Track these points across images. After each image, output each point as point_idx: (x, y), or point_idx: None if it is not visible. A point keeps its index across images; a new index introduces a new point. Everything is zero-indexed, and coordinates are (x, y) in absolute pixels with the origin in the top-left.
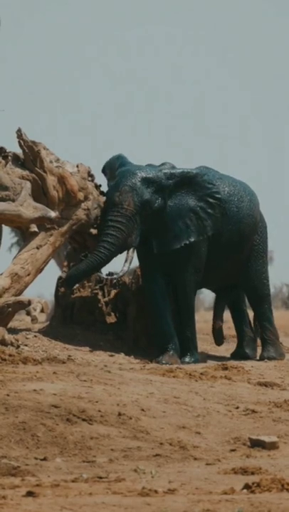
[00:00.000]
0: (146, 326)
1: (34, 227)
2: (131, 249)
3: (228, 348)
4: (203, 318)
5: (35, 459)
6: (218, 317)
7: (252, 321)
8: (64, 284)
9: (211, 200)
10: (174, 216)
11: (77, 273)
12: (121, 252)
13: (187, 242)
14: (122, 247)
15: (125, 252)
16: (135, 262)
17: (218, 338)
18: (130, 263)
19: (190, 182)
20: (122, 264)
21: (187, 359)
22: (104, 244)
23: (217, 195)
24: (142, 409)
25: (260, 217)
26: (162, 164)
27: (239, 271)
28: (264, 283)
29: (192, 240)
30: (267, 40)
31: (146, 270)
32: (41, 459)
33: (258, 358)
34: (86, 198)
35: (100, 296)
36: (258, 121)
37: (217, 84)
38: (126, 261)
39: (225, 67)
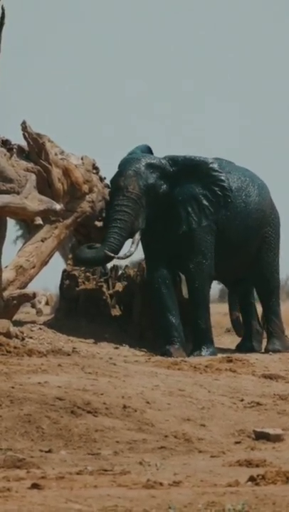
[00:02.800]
0: (152, 318)
1: (39, 220)
2: (138, 232)
3: (232, 341)
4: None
5: (40, 451)
6: (234, 309)
7: (259, 315)
8: (78, 262)
9: (215, 188)
10: (177, 203)
11: (93, 262)
12: (131, 236)
13: (188, 230)
14: (130, 231)
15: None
16: (139, 255)
17: (238, 328)
18: (137, 245)
19: (194, 169)
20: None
21: (203, 352)
22: (115, 230)
23: (221, 183)
24: (147, 402)
25: (272, 209)
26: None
27: (250, 264)
28: (274, 276)
29: (193, 227)
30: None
31: (151, 261)
32: (46, 452)
33: (263, 350)
34: (91, 191)
35: (104, 289)
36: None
37: None
38: (133, 243)
39: None
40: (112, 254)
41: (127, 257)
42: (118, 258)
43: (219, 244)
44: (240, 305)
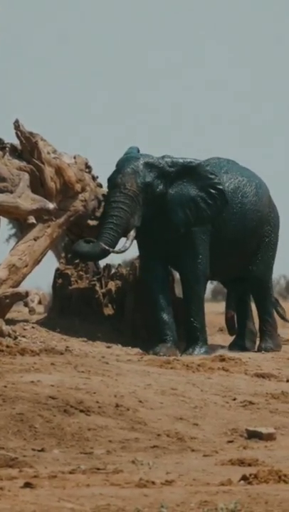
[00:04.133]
0: (144, 317)
1: (32, 219)
2: (133, 229)
3: (225, 340)
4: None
5: (33, 450)
6: (229, 307)
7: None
8: (73, 255)
9: (212, 190)
10: (175, 205)
11: (88, 256)
12: (126, 232)
13: (185, 231)
14: (126, 227)
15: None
16: (132, 254)
17: (231, 327)
18: (132, 241)
19: (191, 172)
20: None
21: (196, 351)
22: (111, 225)
23: (218, 186)
24: (140, 401)
25: (271, 209)
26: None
27: (248, 263)
28: (270, 275)
29: (190, 229)
30: None
31: (145, 259)
32: (39, 451)
33: (256, 349)
34: (83, 190)
35: (97, 288)
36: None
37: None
38: (128, 239)
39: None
40: (108, 248)
41: (122, 251)
42: (113, 252)
43: (216, 244)
44: (236, 304)
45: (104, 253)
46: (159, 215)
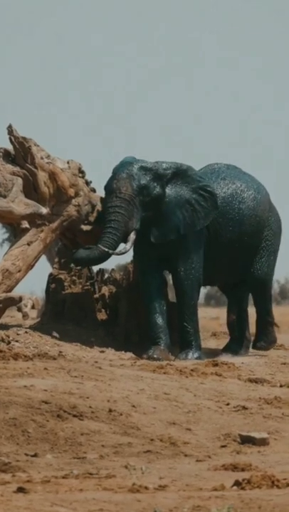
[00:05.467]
0: (138, 322)
1: (25, 224)
2: (133, 232)
3: (218, 345)
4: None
5: (26, 455)
6: (231, 311)
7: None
8: (74, 263)
9: (203, 193)
10: (173, 207)
11: (88, 260)
12: (125, 236)
13: (182, 233)
14: (125, 230)
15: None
16: (126, 258)
17: (232, 331)
18: (132, 243)
19: (183, 174)
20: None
21: (190, 355)
22: (109, 230)
23: (208, 188)
24: (133, 406)
25: (270, 213)
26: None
27: (248, 267)
28: (270, 279)
29: (187, 231)
30: None
31: (142, 263)
32: (32, 455)
33: (249, 353)
34: (77, 194)
35: (90, 293)
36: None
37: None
38: (128, 241)
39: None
40: (107, 250)
41: (122, 253)
42: (114, 254)
43: (213, 250)
44: (235, 309)
45: (105, 255)
46: (157, 218)
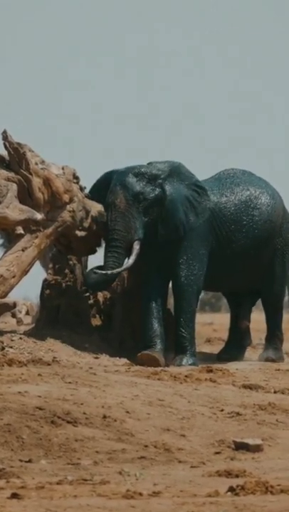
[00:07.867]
0: (133, 327)
1: (20, 230)
2: (135, 242)
3: (212, 351)
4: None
5: (20, 461)
6: (243, 318)
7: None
8: (89, 288)
9: (196, 188)
10: (176, 203)
11: (98, 284)
12: (128, 249)
13: (187, 230)
14: (126, 245)
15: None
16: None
17: (240, 338)
18: (136, 255)
19: (178, 172)
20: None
21: (184, 361)
22: (110, 250)
23: (199, 184)
24: (127, 412)
25: (283, 220)
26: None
27: (260, 276)
28: (283, 288)
29: (190, 228)
30: None
31: (144, 267)
32: (26, 461)
33: (257, 359)
34: (71, 200)
35: (85, 298)
36: None
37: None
38: (132, 253)
39: None
40: (111, 272)
41: (125, 269)
42: (118, 272)
43: (226, 257)
44: (237, 315)
45: (111, 278)
46: (163, 216)
